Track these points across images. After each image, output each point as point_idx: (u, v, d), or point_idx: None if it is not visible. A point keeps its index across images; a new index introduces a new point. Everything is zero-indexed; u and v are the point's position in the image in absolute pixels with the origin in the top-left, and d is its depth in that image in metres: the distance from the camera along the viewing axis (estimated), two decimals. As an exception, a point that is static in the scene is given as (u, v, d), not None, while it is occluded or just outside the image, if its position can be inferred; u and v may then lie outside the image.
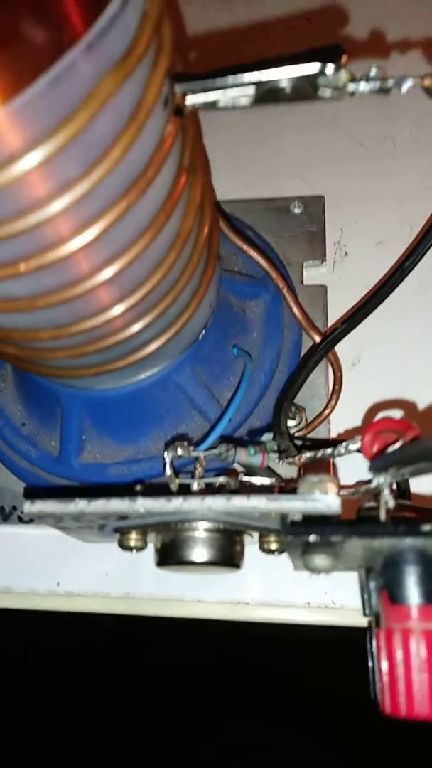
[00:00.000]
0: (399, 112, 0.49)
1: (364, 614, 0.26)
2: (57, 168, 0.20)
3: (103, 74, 0.19)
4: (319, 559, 0.27)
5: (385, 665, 0.22)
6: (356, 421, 0.41)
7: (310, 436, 0.40)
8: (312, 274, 0.45)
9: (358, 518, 0.28)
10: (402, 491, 0.35)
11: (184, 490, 0.32)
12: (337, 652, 0.33)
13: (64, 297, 0.26)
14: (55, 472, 0.40)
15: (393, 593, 0.23)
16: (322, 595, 0.37)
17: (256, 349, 0.41)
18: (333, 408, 0.40)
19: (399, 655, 0.22)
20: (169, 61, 0.22)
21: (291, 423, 0.39)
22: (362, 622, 0.27)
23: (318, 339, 0.39)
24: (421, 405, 0.40)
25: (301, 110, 0.50)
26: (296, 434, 0.39)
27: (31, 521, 0.41)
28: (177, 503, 0.28)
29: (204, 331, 0.37)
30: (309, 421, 0.40)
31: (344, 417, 0.41)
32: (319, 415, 0.39)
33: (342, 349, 0.41)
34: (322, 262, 0.45)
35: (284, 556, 0.32)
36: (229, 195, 0.49)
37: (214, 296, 0.37)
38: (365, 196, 0.48)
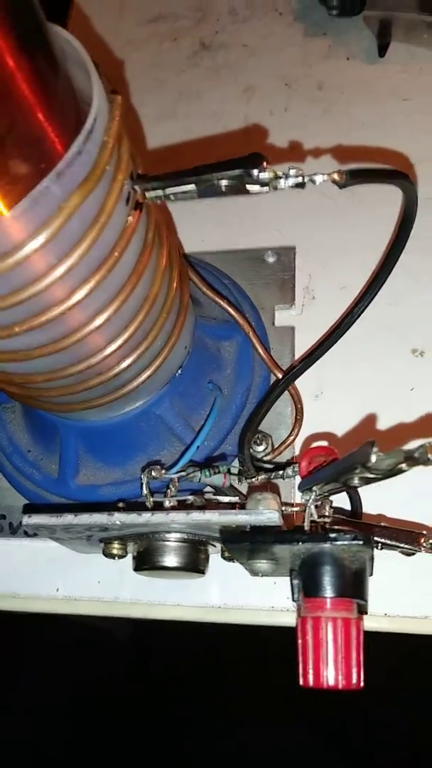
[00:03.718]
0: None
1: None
2: (40, 258, 0.27)
3: (70, 193, 0.26)
4: (261, 564, 0.32)
5: (300, 647, 0.27)
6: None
7: (276, 459, 0.45)
8: (282, 316, 0.51)
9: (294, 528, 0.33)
10: (354, 510, 0.41)
11: (159, 507, 0.38)
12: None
13: (53, 348, 0.33)
14: (55, 492, 0.46)
15: (306, 588, 0.28)
16: (284, 600, 0.43)
17: (229, 384, 0.47)
18: (296, 435, 0.45)
19: (309, 638, 0.27)
20: (125, 174, 0.28)
21: (259, 448, 0.45)
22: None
23: (281, 375, 0.45)
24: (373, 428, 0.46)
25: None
26: (264, 458, 0.45)
27: (35, 535, 0.47)
28: (146, 517, 0.34)
29: (180, 369, 0.43)
30: (275, 446, 0.45)
31: (308, 443, 0.46)
32: (284, 441, 0.45)
33: (306, 384, 0.47)
34: (291, 305, 0.51)
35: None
36: (212, 246, 0.56)
37: (188, 340, 0.43)
38: (332, 245, 0.54)
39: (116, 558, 0.38)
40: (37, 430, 0.47)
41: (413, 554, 0.36)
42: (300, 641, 0.27)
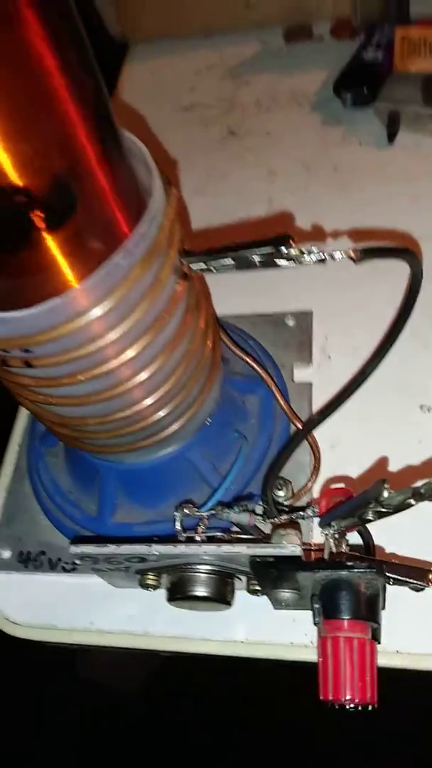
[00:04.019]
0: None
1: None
2: (102, 321, 0.32)
3: (133, 266, 0.31)
4: (285, 593, 0.36)
5: (320, 664, 0.31)
6: (334, 493, 0.50)
7: (296, 504, 0.49)
8: (301, 374, 0.56)
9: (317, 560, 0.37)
10: (367, 548, 0.45)
11: (190, 541, 0.42)
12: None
13: (105, 396, 0.38)
14: (93, 530, 0.50)
15: (325, 610, 0.32)
16: (302, 636, 0.46)
17: (253, 433, 0.51)
18: (314, 481, 0.49)
19: (329, 655, 0.30)
20: (176, 251, 0.34)
21: (280, 493, 0.49)
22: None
23: (300, 426, 0.49)
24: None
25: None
26: (285, 502, 0.49)
27: (73, 570, 0.51)
28: (181, 548, 0.38)
29: (210, 418, 0.48)
30: (295, 492, 0.49)
31: (325, 488, 0.50)
32: (303, 487, 0.49)
33: (323, 434, 0.52)
34: (309, 364, 0.56)
35: (271, 606, 0.41)
36: (240, 310, 0.62)
37: (217, 393, 0.48)
38: (346, 311, 0.59)
39: (151, 589, 0.42)
40: (78, 472, 0.52)
41: (422, 590, 0.39)
42: (320, 659, 0.31)
